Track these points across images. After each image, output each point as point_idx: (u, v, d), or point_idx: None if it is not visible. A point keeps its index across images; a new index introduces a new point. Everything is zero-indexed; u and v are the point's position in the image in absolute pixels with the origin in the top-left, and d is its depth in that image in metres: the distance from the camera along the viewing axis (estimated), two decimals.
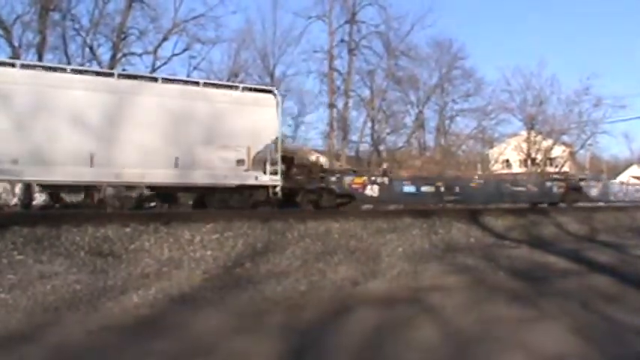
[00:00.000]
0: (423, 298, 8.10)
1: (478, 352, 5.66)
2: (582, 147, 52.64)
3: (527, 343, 5.87)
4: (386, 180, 19.88)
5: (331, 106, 38.42)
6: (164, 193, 16.44)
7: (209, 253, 10.85)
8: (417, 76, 43.51)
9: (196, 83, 16.29)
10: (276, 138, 16.57)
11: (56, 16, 26.45)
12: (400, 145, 42.99)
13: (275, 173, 16.40)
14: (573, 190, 25.50)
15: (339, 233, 13.39)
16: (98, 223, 11.58)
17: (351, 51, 38.53)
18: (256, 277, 9.14)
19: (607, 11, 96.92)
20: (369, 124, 40.21)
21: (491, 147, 51.80)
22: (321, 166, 20.14)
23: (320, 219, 14.26)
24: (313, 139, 48.67)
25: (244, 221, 12.99)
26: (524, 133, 50.70)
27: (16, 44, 25.16)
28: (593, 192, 27.11)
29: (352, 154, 40.58)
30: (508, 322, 6.80)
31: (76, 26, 27.17)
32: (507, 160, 55.59)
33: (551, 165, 51.21)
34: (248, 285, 8.55)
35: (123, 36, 28.22)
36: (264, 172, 16.26)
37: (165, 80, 15.89)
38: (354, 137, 40.54)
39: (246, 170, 15.92)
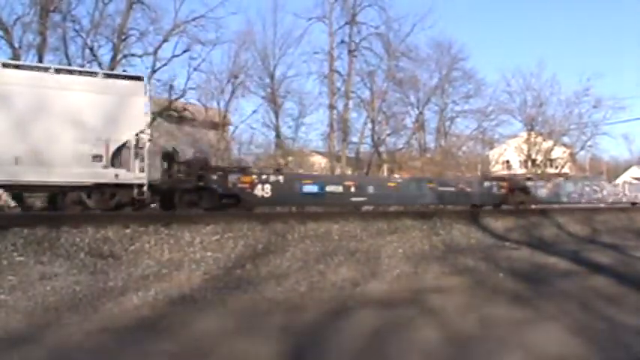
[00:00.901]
0: (424, 299, 8.10)
1: (478, 352, 5.66)
2: (582, 148, 52.58)
3: (528, 344, 5.87)
4: (281, 178, 17.87)
5: (331, 107, 38.38)
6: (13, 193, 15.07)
7: (209, 254, 10.85)
8: (417, 78, 43.47)
9: (46, 69, 14.21)
10: (143, 130, 14.58)
11: (56, 17, 26.43)
12: (400, 146, 43.00)
13: (142, 170, 14.47)
14: (520, 190, 23.99)
15: (339, 234, 13.39)
16: (98, 224, 11.57)
17: (351, 52, 38.51)
18: (256, 279, 9.14)
19: (607, 12, 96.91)
20: (370, 126, 40.18)
21: (492, 148, 51.79)
22: (206, 162, 17.94)
23: (320, 220, 14.26)
24: (313, 141, 48.58)
25: (244, 222, 12.99)
26: (524, 135, 50.67)
27: (17, 45, 25.15)
28: (542, 193, 25.40)
29: (352, 155, 40.55)
30: (508, 323, 6.80)
31: (77, 27, 27.16)
32: (508, 162, 55.60)
33: (551, 166, 51.21)
34: (248, 286, 8.55)
35: (123, 37, 28.20)
36: (129, 170, 14.31)
37: (7, 65, 13.96)
38: (355, 138, 40.51)
39: (105, 167, 13.96)
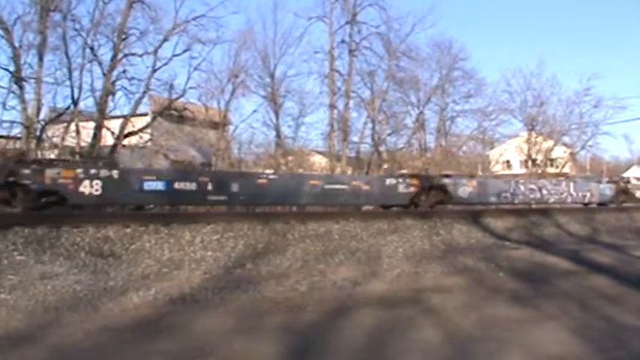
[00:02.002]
0: (424, 298, 8.10)
1: (479, 352, 5.66)
2: (583, 148, 52.57)
3: (528, 344, 5.87)
4: (114, 173, 15.43)
5: (332, 107, 38.34)
6: None
7: (209, 253, 10.87)
8: (418, 77, 43.40)
9: None
10: None
11: (57, 16, 26.37)
12: (401, 146, 42.92)
13: None
14: (436, 189, 21.58)
15: (339, 234, 13.41)
16: (99, 223, 11.61)
17: (351, 52, 38.47)
18: (257, 278, 9.15)
19: (607, 12, 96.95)
20: (370, 125, 40.10)
21: (492, 148, 51.77)
22: (22, 154, 16.05)
23: (320, 220, 14.28)
24: (314, 140, 48.55)
25: (245, 222, 13.02)
26: (524, 134, 50.66)
27: (17, 45, 25.12)
28: (464, 192, 22.61)
29: (353, 155, 40.53)
30: (508, 323, 6.80)
31: (77, 27, 27.07)
32: (508, 161, 55.63)
33: (551, 166, 51.21)
34: (248, 285, 8.56)
35: (123, 36, 28.12)
36: None
37: None
38: (355, 138, 40.44)
39: None
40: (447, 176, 23.75)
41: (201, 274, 9.29)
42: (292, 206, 21.04)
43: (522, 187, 25.63)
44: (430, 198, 21.10)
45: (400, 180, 20.99)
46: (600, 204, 28.39)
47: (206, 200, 17.22)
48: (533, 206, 26.14)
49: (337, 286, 8.85)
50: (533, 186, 26.38)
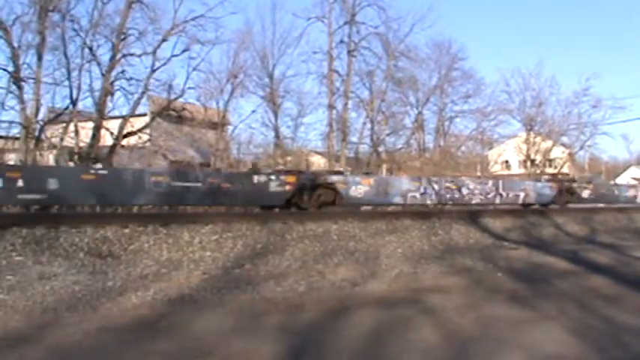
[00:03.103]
0: (423, 298, 8.11)
1: (477, 352, 5.66)
2: (581, 148, 52.63)
3: (526, 344, 5.87)
4: None
5: (330, 107, 38.38)
6: None
7: (208, 254, 10.88)
8: (417, 77, 43.51)
9: None
10: None
11: (56, 16, 26.34)
12: (399, 146, 42.97)
13: None
14: (321, 187, 19.34)
15: (337, 234, 13.43)
16: (97, 224, 11.62)
17: (350, 52, 38.51)
18: (255, 278, 9.15)
19: (606, 12, 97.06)
20: (369, 126, 40.14)
21: (491, 148, 51.85)
22: None
23: (319, 220, 14.30)
24: (313, 141, 48.53)
25: (243, 222, 13.05)
26: (523, 135, 50.72)
27: (16, 45, 25.10)
28: (358, 191, 20.29)
29: (351, 155, 40.53)
30: (507, 323, 6.81)
31: (76, 27, 27.00)
32: (507, 162, 55.70)
33: (550, 166, 51.27)
34: (247, 286, 8.56)
35: (122, 37, 28.08)
36: None
37: None
38: (354, 138, 40.48)
39: None
40: (337, 173, 22.04)
41: (200, 274, 9.29)
42: (131, 207, 18.51)
43: (436, 186, 23.29)
44: (314, 198, 19.14)
45: (273, 177, 18.71)
46: (531, 205, 26.20)
47: (15, 200, 14.74)
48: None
49: (336, 287, 8.85)
50: (450, 185, 24.09)
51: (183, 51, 30.34)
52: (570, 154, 53.68)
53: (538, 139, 49.43)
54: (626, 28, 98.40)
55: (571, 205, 26.91)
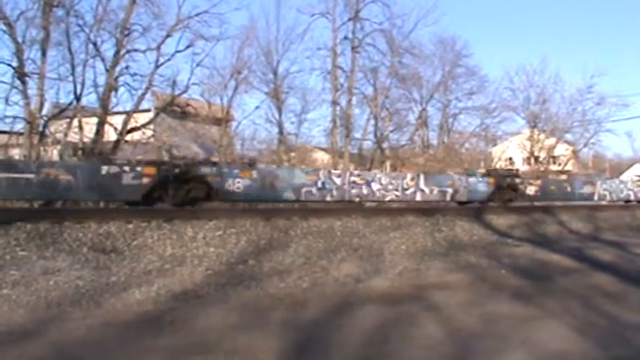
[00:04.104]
0: (426, 295, 8.10)
1: (481, 349, 5.65)
2: (585, 146, 52.56)
3: (530, 341, 5.87)
4: None
5: (334, 103, 38.33)
6: None
7: (212, 250, 10.88)
8: (421, 74, 43.44)
9: None
10: None
11: (60, 12, 26.37)
12: (403, 142, 42.98)
13: None
14: (193, 181, 17.45)
15: (341, 231, 13.43)
16: (101, 219, 11.64)
17: (354, 48, 38.45)
18: (259, 274, 9.15)
19: (611, 9, 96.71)
20: (372, 122, 40.12)
21: (495, 145, 51.83)
22: None
23: (323, 216, 14.30)
24: (316, 137, 48.55)
25: (247, 218, 13.05)
26: (527, 132, 50.68)
27: (20, 40, 25.13)
28: (237, 185, 18.19)
29: (355, 151, 40.53)
30: (511, 320, 6.80)
31: (80, 22, 27.00)
32: (510, 159, 55.61)
33: (554, 163, 51.19)
34: (251, 282, 8.56)
35: (126, 32, 28.09)
36: None
37: None
38: (357, 135, 40.48)
39: None
40: (213, 164, 19.51)
41: (204, 270, 9.30)
42: None
43: (337, 180, 20.95)
44: (182, 193, 17.14)
45: (126, 168, 16.45)
46: (469, 202, 23.88)
47: None
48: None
49: (339, 283, 8.85)
50: (356, 179, 21.69)
51: (188, 47, 30.37)
52: (574, 152, 53.61)
53: (542, 136, 49.40)
54: (630, 26, 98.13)
55: (515, 204, 24.24)
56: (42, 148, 25.76)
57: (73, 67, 26.65)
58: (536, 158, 49.53)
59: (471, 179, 24.83)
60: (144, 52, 29.02)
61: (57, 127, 27.45)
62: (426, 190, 23.00)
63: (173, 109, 32.10)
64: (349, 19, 38.48)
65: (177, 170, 17.40)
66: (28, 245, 9.86)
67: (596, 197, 29.98)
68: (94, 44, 27.32)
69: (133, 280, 8.33)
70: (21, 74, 24.97)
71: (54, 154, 27.12)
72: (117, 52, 27.87)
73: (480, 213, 17.98)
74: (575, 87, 52.23)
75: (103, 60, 27.74)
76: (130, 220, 11.81)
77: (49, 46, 25.94)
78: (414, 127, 43.70)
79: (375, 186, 21.82)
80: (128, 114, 28.95)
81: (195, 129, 35.63)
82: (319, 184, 20.28)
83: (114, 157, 21.55)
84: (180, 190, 17.11)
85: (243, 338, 5.81)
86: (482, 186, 24.67)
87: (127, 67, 28.39)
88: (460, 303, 7.67)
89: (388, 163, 39.65)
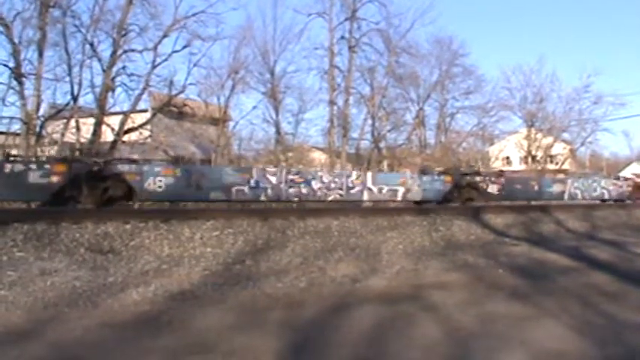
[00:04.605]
0: (424, 295, 8.10)
1: (478, 348, 5.66)
2: (582, 145, 52.72)
3: (528, 340, 5.87)
4: None
5: (331, 103, 38.41)
6: None
7: (209, 250, 10.87)
8: (418, 74, 43.65)
9: None
10: None
11: (56, 12, 26.44)
12: (400, 142, 43.13)
13: None
14: (112, 180, 16.60)
15: (338, 230, 13.42)
16: (98, 219, 11.62)
17: (351, 48, 38.53)
18: (256, 274, 9.14)
19: (607, 8, 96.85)
20: (370, 122, 40.24)
21: (492, 144, 51.95)
22: None
23: (320, 216, 14.30)
24: (314, 137, 48.63)
25: (244, 218, 13.05)
26: (524, 131, 50.79)
27: (17, 41, 25.14)
28: (157, 184, 17.32)
29: (352, 151, 40.57)
30: (508, 319, 6.80)
31: (77, 23, 27.12)
32: (508, 158, 55.73)
33: (551, 162, 51.29)
34: (248, 282, 8.55)
35: (123, 33, 28.14)
36: None
37: None
38: (355, 134, 40.62)
39: None
40: (132, 161, 18.26)
41: (201, 270, 9.28)
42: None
43: (273, 179, 19.97)
44: (98, 192, 16.25)
45: (33, 166, 15.55)
46: (423, 202, 22.86)
47: None
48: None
49: (337, 283, 8.85)
50: (295, 177, 20.51)
51: (184, 47, 30.46)
52: (571, 151, 53.77)
53: (539, 135, 49.52)
54: (627, 25, 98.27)
55: (476, 204, 23.16)
56: (39, 149, 25.75)
57: (70, 68, 26.73)
58: (534, 157, 49.64)
59: (426, 177, 24.14)
60: (141, 52, 29.12)
61: (54, 128, 27.49)
62: (374, 189, 22.02)
63: (170, 109, 32.14)
64: (346, 19, 38.62)
65: (91, 168, 16.68)
66: (25, 246, 9.84)
67: (566, 196, 29.25)
68: (91, 44, 27.38)
69: (131, 280, 8.31)
70: (18, 75, 24.97)
71: (51, 154, 27.08)
72: (114, 53, 27.92)
73: (477, 212, 17.98)
74: (572, 86, 52.58)
75: (99, 60, 27.85)
76: (127, 221, 11.80)
77: (45, 47, 26.00)
78: (411, 127, 43.82)
79: (315, 185, 20.87)
80: (125, 114, 28.99)
81: (192, 129, 35.66)
82: (252, 183, 19.48)
83: (19, 155, 20.71)
84: (96, 189, 16.36)
85: (241, 338, 5.81)
86: (437, 185, 23.90)
87: (123, 68, 28.50)
88: (458, 302, 7.67)
89: (385, 163, 39.69)
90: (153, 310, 6.88)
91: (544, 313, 7.18)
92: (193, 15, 30.10)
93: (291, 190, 20.14)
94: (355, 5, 38.23)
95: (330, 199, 20.84)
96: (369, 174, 22.76)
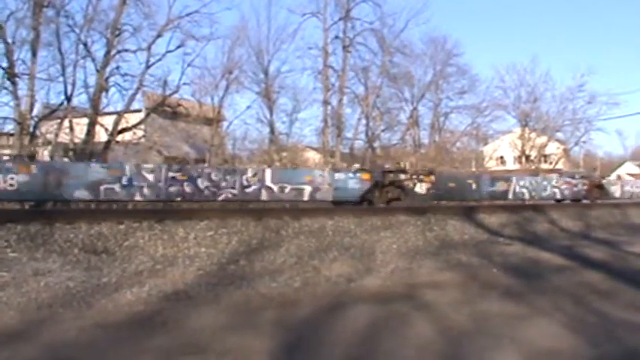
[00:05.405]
0: (418, 294, 8.11)
1: (472, 347, 5.67)
2: (576, 144, 52.92)
3: (521, 339, 5.89)
4: None
5: (325, 103, 38.45)
6: None
7: (203, 250, 10.87)
8: (412, 73, 43.73)
9: None
10: None
11: (50, 12, 26.36)
12: (394, 142, 43.23)
13: None
14: None
15: (333, 230, 13.43)
16: (92, 220, 11.60)
17: (345, 48, 38.59)
18: (250, 274, 9.14)
19: (601, 8, 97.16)
20: (364, 121, 40.32)
21: (486, 144, 52.05)
22: None
23: (314, 216, 14.30)
24: (308, 136, 48.65)
25: (238, 218, 13.04)
26: (518, 130, 50.92)
27: (10, 41, 25.05)
28: (15, 182, 15.61)
29: (346, 151, 40.59)
30: (502, 318, 6.82)
31: (70, 23, 26.99)
32: (502, 157, 55.83)
33: (545, 162, 51.42)
34: (242, 282, 8.55)
35: (117, 32, 28.08)
36: None
37: None
38: (349, 134, 40.70)
39: None
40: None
41: (195, 270, 9.28)
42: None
43: (150, 177, 18.02)
44: None
45: None
46: (338, 203, 21.01)
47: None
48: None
49: (331, 282, 8.85)
50: (177, 174, 18.65)
51: (178, 47, 30.40)
52: (565, 150, 53.95)
53: (533, 134, 49.65)
54: (621, 25, 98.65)
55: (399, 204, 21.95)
56: (33, 149, 25.68)
57: (64, 68, 26.63)
58: (528, 157, 49.77)
59: (339, 175, 22.09)
60: (134, 52, 29.05)
61: (47, 128, 27.39)
62: (274, 187, 20.01)
63: (164, 109, 32.10)
64: (340, 19, 38.69)
65: None
66: (18, 246, 9.82)
67: (510, 196, 27.72)
68: (85, 44, 27.30)
69: (125, 280, 8.30)
70: (11, 75, 24.89)
71: (45, 154, 27.04)
72: (107, 53, 27.85)
73: (471, 212, 18.02)
74: (566, 85, 52.88)
75: (93, 60, 27.76)
76: (121, 221, 11.78)
77: (39, 47, 25.92)
78: (405, 127, 43.88)
79: (202, 183, 18.96)
80: (119, 114, 28.93)
81: (186, 129, 35.62)
82: (124, 181, 17.56)
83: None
84: None
85: (235, 338, 5.81)
86: (353, 183, 21.82)
87: (117, 68, 28.45)
88: (451, 302, 7.69)
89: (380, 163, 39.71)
90: (147, 311, 6.88)
91: (537, 311, 7.21)
92: (187, 15, 30.09)
93: (172, 189, 18.33)
94: (349, 5, 38.35)
95: (220, 198, 19.22)
96: (268, 170, 20.79)
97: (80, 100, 30.12)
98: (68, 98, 26.94)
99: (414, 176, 24.17)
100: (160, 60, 29.76)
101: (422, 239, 13.64)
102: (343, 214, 15.31)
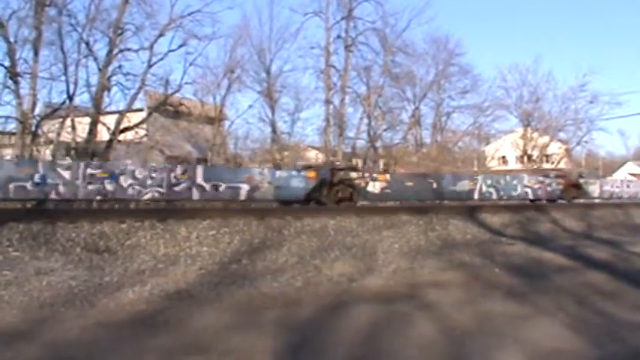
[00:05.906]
0: (420, 294, 8.10)
1: (475, 347, 5.66)
2: (578, 144, 52.82)
3: (524, 339, 5.87)
4: None
5: (327, 102, 38.38)
6: None
7: (205, 249, 10.86)
8: (414, 73, 43.58)
9: None
10: None
11: (52, 11, 26.37)
12: (396, 141, 43.08)
13: None
14: None
15: (335, 230, 13.41)
16: (94, 219, 11.60)
17: (347, 47, 38.52)
18: (253, 274, 9.13)
19: (603, 8, 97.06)
20: (366, 121, 40.23)
21: (488, 144, 51.97)
22: None
23: (316, 216, 14.29)
24: (310, 136, 48.58)
25: (240, 218, 13.03)
26: (520, 130, 50.86)
27: (12, 40, 25.07)
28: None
29: (348, 150, 40.55)
30: (505, 318, 6.80)
31: (72, 22, 27.01)
32: (504, 157, 55.79)
33: (547, 162, 51.38)
34: (244, 281, 8.54)
35: (119, 32, 28.09)
36: None
37: None
38: (351, 134, 40.58)
39: None
40: None
41: (197, 269, 9.27)
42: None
43: (66, 174, 16.97)
44: None
45: None
46: (283, 202, 20.34)
47: None
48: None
49: (333, 282, 8.84)
50: (95, 171, 17.53)
51: (180, 46, 30.40)
52: (567, 150, 53.86)
53: (535, 134, 49.59)
54: (623, 25, 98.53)
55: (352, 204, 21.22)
56: (34, 148, 25.70)
57: (66, 67, 26.66)
58: (530, 157, 49.73)
59: (280, 173, 21.20)
60: (136, 51, 29.06)
61: (49, 127, 27.42)
62: (206, 186, 19.05)
63: (166, 108, 32.10)
64: (342, 18, 38.59)
65: None
66: (20, 245, 9.82)
67: (476, 196, 26.18)
68: (87, 44, 27.31)
69: (127, 279, 8.30)
70: (13, 74, 24.91)
71: (47, 154, 27.05)
72: (109, 52, 27.86)
73: (473, 211, 17.99)
74: (568, 85, 52.85)
75: (95, 59, 27.78)
76: (123, 220, 11.77)
77: (41, 46, 25.94)
78: (407, 126, 43.79)
79: (125, 181, 17.83)
80: (121, 113, 28.93)
81: (188, 128, 35.60)
82: (37, 179, 16.36)
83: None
84: None
85: (237, 338, 5.80)
86: (296, 181, 20.80)
87: (119, 67, 28.45)
88: (454, 301, 7.67)
89: (382, 162, 39.70)
90: (149, 310, 6.87)
91: (540, 311, 7.19)
92: (189, 14, 30.09)
93: (91, 187, 17.24)
94: (351, 4, 38.24)
95: (146, 197, 18.12)
96: (199, 168, 19.86)
97: (82, 99, 30.16)
98: (70, 97, 26.97)
99: (367, 175, 23.29)
100: (162, 59, 29.81)
101: (424, 239, 13.61)
102: (345, 213, 15.30)
